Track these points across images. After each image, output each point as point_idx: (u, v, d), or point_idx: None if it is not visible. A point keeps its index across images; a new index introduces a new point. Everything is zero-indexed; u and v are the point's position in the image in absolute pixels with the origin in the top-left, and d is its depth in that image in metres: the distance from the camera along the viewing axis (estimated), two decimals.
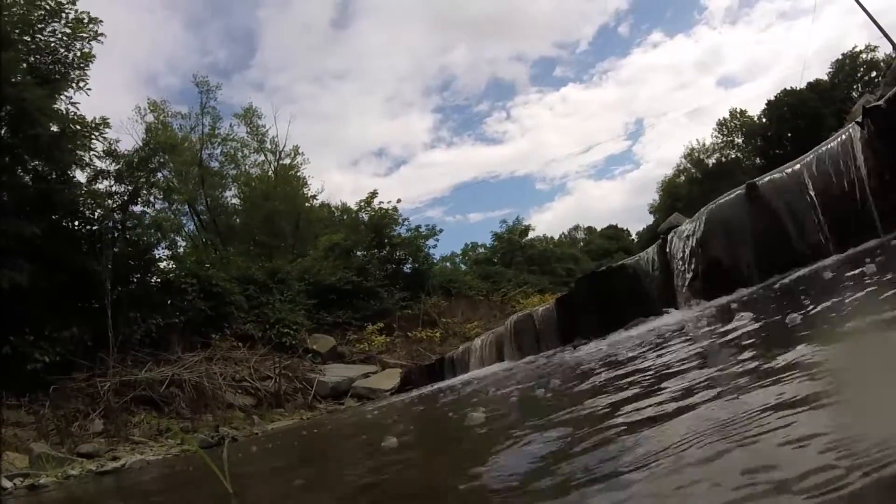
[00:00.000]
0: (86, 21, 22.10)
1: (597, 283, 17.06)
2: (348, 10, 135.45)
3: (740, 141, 77.59)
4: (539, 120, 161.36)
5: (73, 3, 21.78)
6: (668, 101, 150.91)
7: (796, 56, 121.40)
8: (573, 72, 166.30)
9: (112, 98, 60.06)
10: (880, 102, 6.98)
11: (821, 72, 70.33)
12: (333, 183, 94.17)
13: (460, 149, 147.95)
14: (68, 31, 21.94)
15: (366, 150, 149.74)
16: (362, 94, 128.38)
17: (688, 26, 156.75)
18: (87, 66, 22.55)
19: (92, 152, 23.14)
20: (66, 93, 22.07)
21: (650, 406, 3.31)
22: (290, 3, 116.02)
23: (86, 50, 22.43)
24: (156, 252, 27.27)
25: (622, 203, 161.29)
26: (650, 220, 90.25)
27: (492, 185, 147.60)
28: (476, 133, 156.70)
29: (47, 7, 21.32)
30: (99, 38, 22.50)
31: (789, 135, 65.72)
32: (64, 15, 21.74)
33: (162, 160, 27.11)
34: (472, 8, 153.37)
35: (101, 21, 22.41)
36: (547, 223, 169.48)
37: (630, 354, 7.53)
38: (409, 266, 43.07)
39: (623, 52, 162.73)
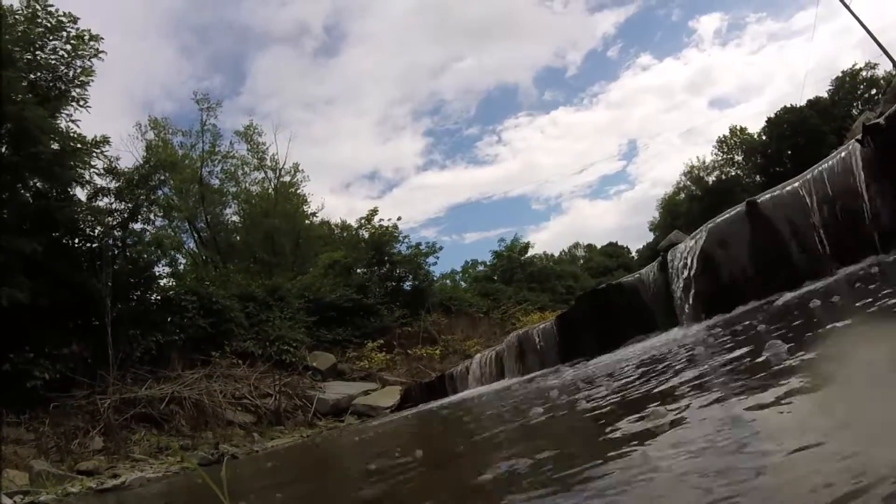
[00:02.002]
0: (86, 38, 22.17)
1: (597, 300, 17.07)
2: (338, 37, 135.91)
3: (740, 158, 77.76)
4: (530, 142, 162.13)
5: (74, 22, 21.88)
6: (661, 122, 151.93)
7: (789, 76, 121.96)
8: (563, 95, 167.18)
9: (109, 123, 60.21)
10: (880, 120, 7.01)
11: (815, 91, 70.57)
12: (327, 206, 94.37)
13: (453, 171, 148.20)
14: (69, 48, 22.02)
15: (358, 173, 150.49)
16: (353, 118, 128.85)
17: (676, 49, 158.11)
18: (88, 83, 22.63)
19: (92, 169, 23.20)
20: (66, 110, 22.15)
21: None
22: (279, 31, 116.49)
23: (87, 66, 22.51)
24: (156, 269, 27.35)
25: (618, 222, 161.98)
26: (649, 237, 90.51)
27: (485, 206, 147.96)
28: (468, 156, 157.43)
29: (48, 24, 21.40)
30: (99, 55, 22.59)
31: (789, 152, 65.84)
32: (64, 32, 21.82)
33: (162, 178, 27.22)
34: (468, 14, 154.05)
35: (101, 38, 22.52)
36: (543, 242, 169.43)
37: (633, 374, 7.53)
38: (409, 283, 42.98)
39: (612, 76, 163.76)
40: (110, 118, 64.56)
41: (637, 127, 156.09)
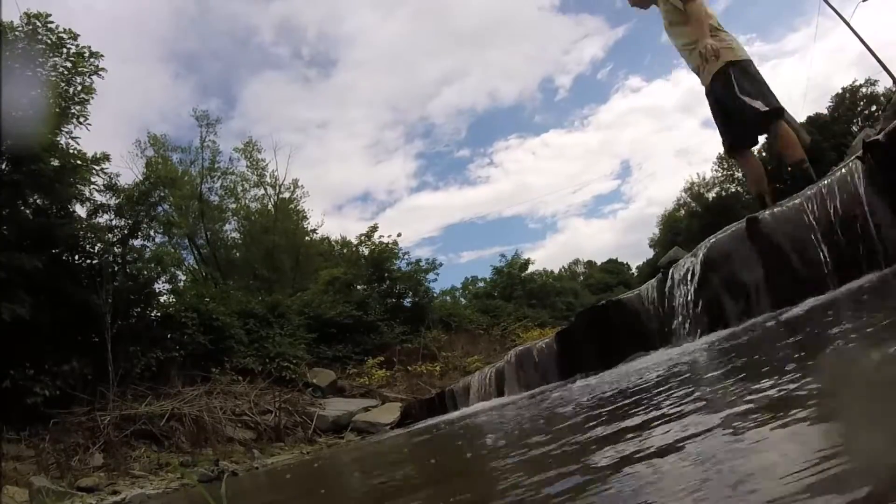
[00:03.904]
0: (87, 55, 22.21)
1: (596, 317, 17.03)
2: (329, 62, 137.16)
3: (740, 174, 77.87)
4: (523, 164, 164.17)
5: (74, 39, 21.92)
6: (653, 142, 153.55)
7: (783, 96, 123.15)
8: (553, 118, 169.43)
9: (108, 147, 60.69)
10: (880, 136, 7.02)
11: (811, 110, 70.83)
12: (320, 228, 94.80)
13: (446, 192, 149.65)
14: (69, 65, 22.06)
15: (350, 195, 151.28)
16: (344, 141, 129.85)
17: (665, 71, 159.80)
18: (88, 100, 22.66)
19: (92, 186, 23.24)
20: (66, 127, 22.17)
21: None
22: (271, 56, 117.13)
23: (87, 83, 22.54)
24: (156, 286, 27.30)
25: (615, 241, 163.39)
26: (648, 254, 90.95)
27: (480, 226, 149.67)
28: (461, 177, 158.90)
29: (48, 41, 21.43)
30: (100, 72, 22.63)
31: (789, 169, 65.98)
32: (65, 49, 21.86)
33: (162, 194, 27.21)
34: (457, 37, 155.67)
35: (102, 55, 22.57)
36: (540, 261, 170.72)
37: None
38: (409, 300, 43.09)
39: (603, 98, 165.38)
40: (109, 143, 65.01)
41: (629, 147, 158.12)
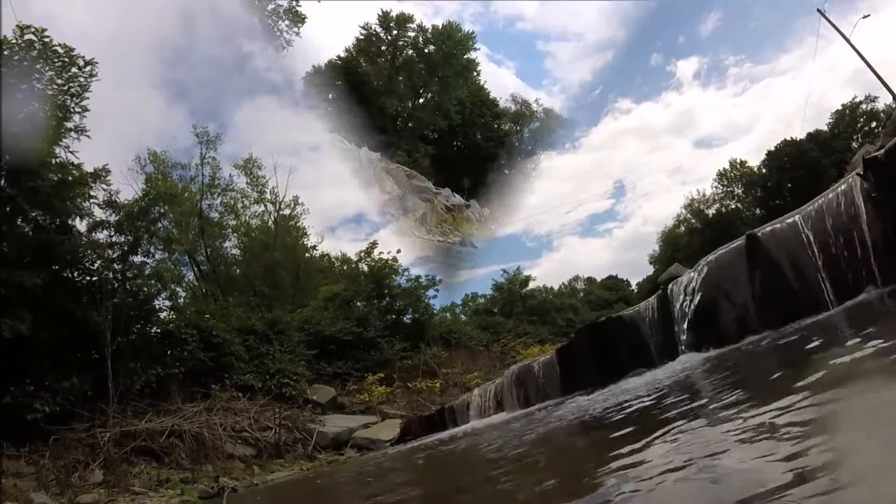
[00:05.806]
0: (81, 65, 22.21)
1: (597, 333, 17.05)
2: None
3: (740, 191, 77.71)
4: (513, 186, 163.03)
5: (70, 52, 21.94)
6: (646, 163, 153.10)
7: (777, 115, 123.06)
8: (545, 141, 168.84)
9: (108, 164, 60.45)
10: (879, 153, 7.05)
11: (809, 127, 70.71)
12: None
13: None
14: (66, 76, 22.06)
15: (343, 216, 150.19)
16: (337, 163, 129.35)
17: (655, 93, 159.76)
18: (86, 107, 22.65)
19: (92, 200, 23.22)
20: (64, 141, 22.16)
21: None
22: (264, 83, 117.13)
23: (84, 85, 22.52)
24: (156, 302, 27.25)
25: (611, 259, 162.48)
26: (647, 271, 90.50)
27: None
28: None
29: (44, 56, 21.43)
30: (94, 77, 22.56)
31: (789, 185, 65.88)
32: (61, 62, 21.86)
33: (162, 210, 27.25)
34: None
35: (96, 62, 22.57)
36: (537, 279, 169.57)
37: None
38: (409, 316, 42.98)
39: (593, 121, 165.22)
40: (109, 160, 65.27)
41: (622, 168, 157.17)
